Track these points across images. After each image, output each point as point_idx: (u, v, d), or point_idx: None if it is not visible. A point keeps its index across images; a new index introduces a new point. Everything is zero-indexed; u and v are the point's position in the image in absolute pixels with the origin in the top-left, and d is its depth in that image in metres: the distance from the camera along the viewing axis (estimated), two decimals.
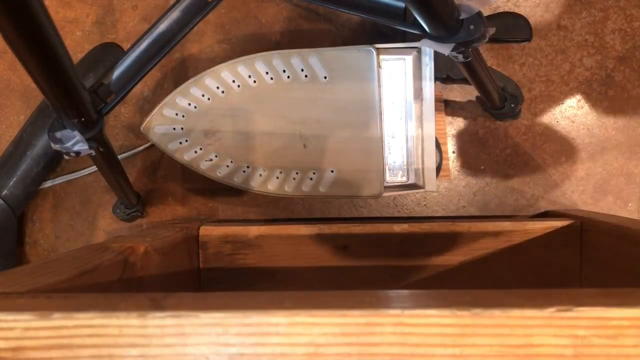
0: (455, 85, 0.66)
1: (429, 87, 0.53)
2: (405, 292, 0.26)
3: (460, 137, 0.66)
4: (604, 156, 0.65)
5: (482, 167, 0.66)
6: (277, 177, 0.55)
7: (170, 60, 0.69)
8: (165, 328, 0.21)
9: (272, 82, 0.54)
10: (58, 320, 0.22)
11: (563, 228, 0.54)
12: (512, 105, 0.62)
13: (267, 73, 0.54)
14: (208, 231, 0.58)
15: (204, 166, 0.56)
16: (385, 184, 0.54)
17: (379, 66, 0.52)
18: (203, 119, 0.55)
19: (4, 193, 0.65)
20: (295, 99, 0.53)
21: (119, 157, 0.60)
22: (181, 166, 0.60)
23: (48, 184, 0.69)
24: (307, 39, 0.68)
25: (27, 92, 0.71)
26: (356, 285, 0.56)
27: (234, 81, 0.54)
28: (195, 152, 0.55)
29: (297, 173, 0.55)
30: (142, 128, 0.55)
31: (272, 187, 0.55)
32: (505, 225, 0.54)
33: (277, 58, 0.53)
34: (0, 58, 0.72)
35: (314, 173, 0.54)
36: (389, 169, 0.55)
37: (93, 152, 0.46)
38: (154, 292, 0.25)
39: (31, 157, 0.66)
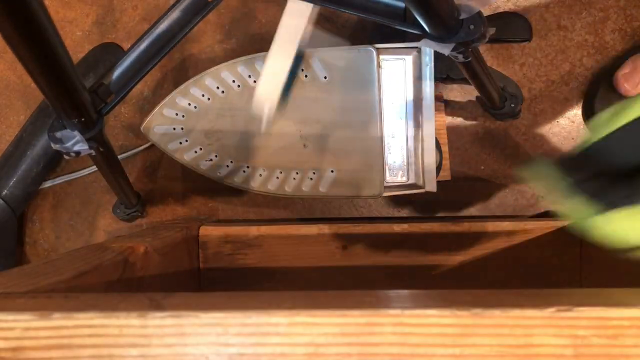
0: (455, 85, 0.66)
1: (429, 87, 0.53)
2: (405, 292, 0.26)
3: (460, 137, 0.66)
4: None
5: (482, 167, 0.66)
6: (277, 177, 0.55)
7: (170, 60, 0.69)
8: (165, 328, 0.21)
9: None
10: (58, 320, 0.22)
11: (563, 228, 0.54)
12: (512, 105, 0.62)
13: None
14: (208, 231, 0.58)
15: (204, 166, 0.56)
16: (385, 184, 0.54)
17: (379, 66, 0.52)
18: (203, 119, 0.55)
19: (4, 193, 0.65)
20: (295, 99, 0.53)
21: (119, 157, 0.60)
22: (181, 166, 0.60)
23: (48, 184, 0.69)
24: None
25: (27, 92, 0.71)
26: (356, 285, 0.56)
27: (234, 81, 0.54)
28: (195, 152, 0.55)
29: (297, 173, 0.55)
30: (142, 128, 0.55)
31: (272, 187, 0.55)
32: (505, 225, 0.54)
33: None
34: (0, 58, 0.72)
35: (314, 173, 0.54)
36: (389, 169, 0.55)
37: (93, 152, 0.46)
38: (154, 292, 0.25)
39: (31, 157, 0.66)
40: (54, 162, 0.69)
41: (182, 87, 0.54)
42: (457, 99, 0.66)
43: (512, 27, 0.65)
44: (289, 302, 0.22)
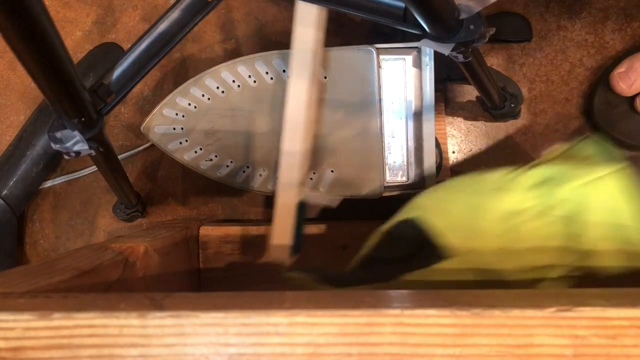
0: (455, 85, 0.66)
1: (429, 87, 0.53)
2: (405, 292, 0.26)
3: (460, 137, 0.66)
4: None
5: (482, 167, 0.66)
6: (278, 177, 0.55)
7: (170, 60, 0.69)
8: (165, 328, 0.21)
9: (272, 82, 0.54)
10: (58, 320, 0.22)
11: None
12: (512, 105, 0.62)
13: (267, 73, 0.54)
14: (208, 231, 0.58)
15: (204, 166, 0.56)
16: (385, 184, 0.54)
17: (379, 66, 0.52)
18: (203, 119, 0.55)
19: (4, 193, 0.65)
20: None
21: (119, 157, 0.60)
22: (181, 166, 0.60)
23: (48, 184, 0.69)
24: None
25: (27, 92, 0.71)
26: None
27: (234, 81, 0.54)
28: (195, 152, 0.55)
29: None
30: (142, 128, 0.55)
31: (272, 187, 0.55)
32: None
33: (277, 58, 0.53)
34: (0, 58, 0.72)
35: (314, 173, 0.54)
36: (389, 169, 0.55)
37: (93, 152, 0.46)
38: (154, 292, 0.25)
39: (31, 157, 0.66)
40: (54, 162, 0.69)
41: (182, 87, 0.54)
42: (457, 99, 0.66)
43: (512, 27, 0.65)
44: (289, 302, 0.22)
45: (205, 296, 0.24)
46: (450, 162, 0.66)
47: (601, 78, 0.63)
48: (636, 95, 0.61)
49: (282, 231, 0.50)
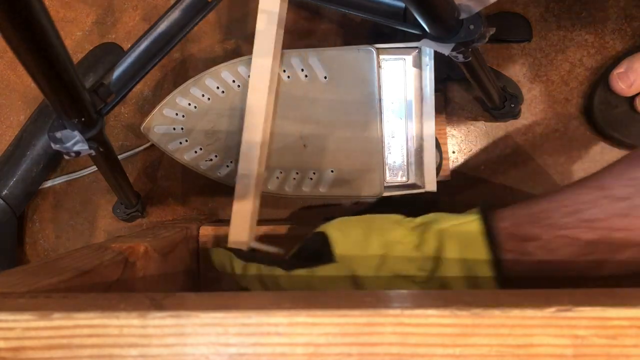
0: (455, 85, 0.66)
1: (429, 87, 0.53)
2: (405, 292, 0.26)
3: (460, 137, 0.66)
4: (604, 156, 0.65)
5: (482, 167, 0.66)
6: (277, 177, 0.55)
7: (170, 60, 0.69)
8: (165, 328, 0.21)
9: None
10: (58, 320, 0.22)
11: None
12: (512, 105, 0.62)
13: None
14: (208, 231, 0.58)
15: (204, 166, 0.56)
16: (385, 184, 0.54)
17: (379, 66, 0.52)
18: (203, 119, 0.55)
19: (4, 193, 0.65)
20: (295, 99, 0.53)
21: (119, 157, 0.60)
22: (181, 166, 0.60)
23: (48, 184, 0.69)
24: (308, 39, 0.68)
25: (27, 92, 0.71)
26: None
27: (234, 81, 0.54)
28: (195, 152, 0.55)
29: (297, 173, 0.55)
30: (142, 128, 0.55)
31: (272, 187, 0.55)
32: None
33: None
34: (0, 58, 0.72)
35: (314, 173, 0.54)
36: (389, 169, 0.55)
37: (93, 152, 0.46)
38: (154, 292, 0.25)
39: (31, 157, 0.66)
40: (54, 162, 0.69)
41: (182, 87, 0.54)
42: (457, 99, 0.66)
43: (512, 27, 0.65)
44: (289, 302, 0.22)
45: (205, 296, 0.24)
46: (450, 162, 0.66)
47: (601, 78, 0.63)
48: (636, 95, 0.61)
49: (240, 227, 0.50)
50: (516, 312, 0.21)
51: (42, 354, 0.21)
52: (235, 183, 0.51)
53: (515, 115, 0.64)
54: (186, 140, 0.55)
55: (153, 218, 0.69)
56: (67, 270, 0.33)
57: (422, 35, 0.44)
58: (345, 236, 0.39)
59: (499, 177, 0.66)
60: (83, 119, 0.43)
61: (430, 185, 0.54)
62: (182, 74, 0.69)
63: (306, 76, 0.53)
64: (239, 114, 0.54)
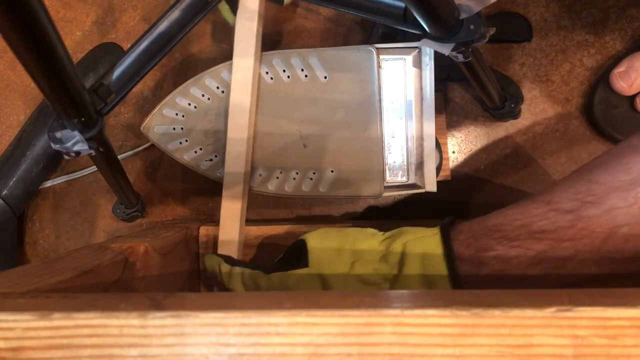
0: (455, 85, 0.66)
1: (429, 87, 0.53)
2: (405, 292, 0.26)
3: (460, 137, 0.66)
4: None
5: (482, 167, 0.66)
6: (277, 177, 0.55)
7: (170, 60, 0.69)
8: (165, 328, 0.21)
9: (272, 82, 0.54)
10: (58, 320, 0.22)
11: None
12: (512, 105, 0.62)
13: (267, 73, 0.54)
14: (208, 231, 0.58)
15: (204, 166, 0.56)
16: (385, 184, 0.54)
17: (379, 66, 0.52)
18: (203, 119, 0.55)
19: (4, 193, 0.65)
20: (295, 99, 0.53)
21: (119, 157, 0.60)
22: (181, 166, 0.60)
23: (48, 184, 0.69)
24: (307, 39, 0.68)
25: (27, 92, 0.71)
26: None
27: None
28: (195, 152, 0.55)
29: (297, 173, 0.55)
30: (142, 128, 0.55)
31: (272, 187, 0.55)
32: None
33: (277, 58, 0.53)
34: (0, 58, 0.72)
35: (314, 173, 0.54)
36: (389, 169, 0.55)
37: (93, 152, 0.46)
38: (154, 292, 0.25)
39: (31, 157, 0.66)
40: (54, 162, 0.69)
41: (182, 87, 0.54)
42: (457, 99, 0.66)
43: (512, 27, 0.65)
44: (289, 302, 0.22)
45: (205, 296, 0.24)
46: (451, 162, 0.66)
47: (601, 78, 0.63)
48: (636, 94, 0.61)
49: (229, 227, 0.52)
50: (516, 312, 0.21)
51: (42, 354, 0.21)
52: (223, 186, 0.52)
53: (515, 115, 0.64)
54: (186, 140, 0.55)
55: (153, 218, 0.69)
56: (67, 270, 0.33)
57: (422, 35, 0.44)
58: (322, 245, 0.43)
59: (499, 177, 0.66)
60: (83, 119, 0.43)
61: (430, 185, 0.54)
62: (182, 74, 0.69)
63: (306, 76, 0.53)
64: None
